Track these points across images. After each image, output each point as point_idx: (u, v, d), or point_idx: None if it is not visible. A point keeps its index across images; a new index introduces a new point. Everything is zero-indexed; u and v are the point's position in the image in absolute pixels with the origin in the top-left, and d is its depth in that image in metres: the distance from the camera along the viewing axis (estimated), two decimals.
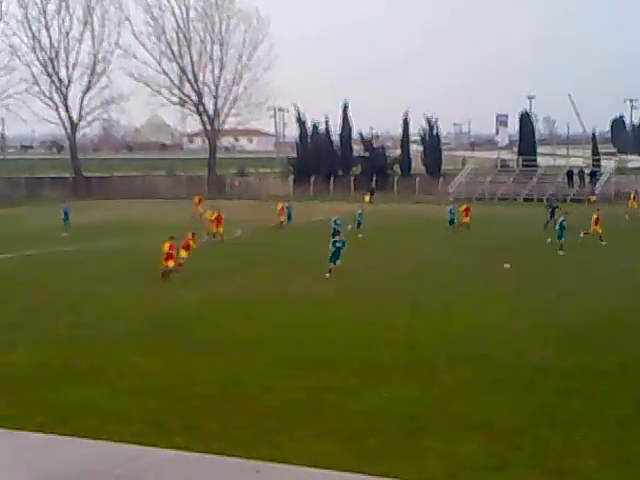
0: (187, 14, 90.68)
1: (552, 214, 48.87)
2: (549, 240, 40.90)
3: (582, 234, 42.17)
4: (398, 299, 27.49)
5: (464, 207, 50.39)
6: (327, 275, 31.24)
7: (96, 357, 20.00)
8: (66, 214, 52.58)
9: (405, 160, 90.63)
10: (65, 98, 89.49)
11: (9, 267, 36.29)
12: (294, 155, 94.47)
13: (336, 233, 37.52)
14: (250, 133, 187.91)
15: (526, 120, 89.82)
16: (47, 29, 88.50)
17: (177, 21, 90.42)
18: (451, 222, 49.15)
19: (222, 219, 45.69)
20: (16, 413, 15.56)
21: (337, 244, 32.45)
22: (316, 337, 22.04)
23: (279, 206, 53.41)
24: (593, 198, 72.27)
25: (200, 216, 53.66)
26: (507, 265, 30.23)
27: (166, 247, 31.40)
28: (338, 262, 31.92)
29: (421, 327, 23.17)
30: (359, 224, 48.17)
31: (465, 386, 17.40)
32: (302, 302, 27.03)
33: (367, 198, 74.87)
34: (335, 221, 42.92)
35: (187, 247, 33.39)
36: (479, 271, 33.53)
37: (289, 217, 53.81)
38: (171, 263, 31.31)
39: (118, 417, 15.37)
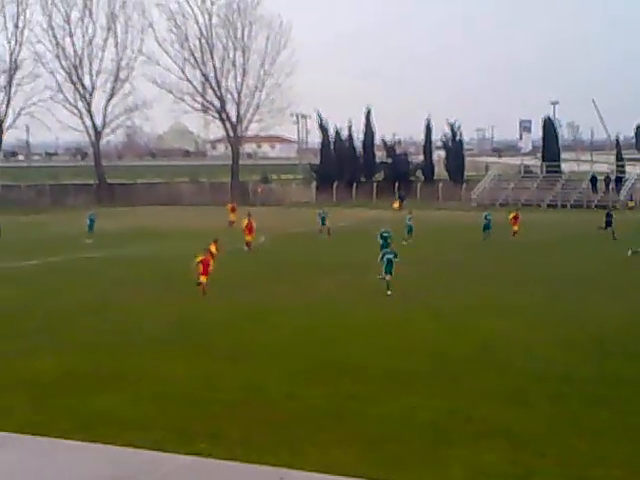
0: (210, 21, 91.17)
1: (608, 224, 47.83)
2: (630, 252, 38.79)
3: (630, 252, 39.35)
4: (422, 305, 27.38)
5: (513, 214, 49.25)
6: (389, 293, 29.10)
7: (119, 363, 20.05)
8: (92, 222, 52.68)
9: (428, 166, 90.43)
10: (89, 105, 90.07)
11: (34, 274, 36.48)
12: (317, 161, 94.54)
13: (385, 245, 36.26)
14: (273, 139, 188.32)
15: (549, 126, 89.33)
16: (71, 36, 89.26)
17: (200, 28, 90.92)
18: (485, 228, 47.60)
19: (252, 225, 44.53)
20: (40, 419, 15.62)
21: (388, 256, 30.45)
22: (338, 343, 21.98)
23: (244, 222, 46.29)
24: (631, 204, 71.46)
25: (233, 224, 53.06)
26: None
27: (199, 259, 29.89)
28: (389, 276, 29.85)
29: (445, 334, 23.05)
30: (410, 230, 46.78)
31: (488, 394, 17.27)
32: (325, 308, 26.99)
33: (397, 204, 74.75)
34: (382, 234, 39.93)
35: (211, 256, 32.15)
36: (506, 277, 33.34)
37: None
38: (204, 279, 29.59)
39: (140, 424, 15.39)
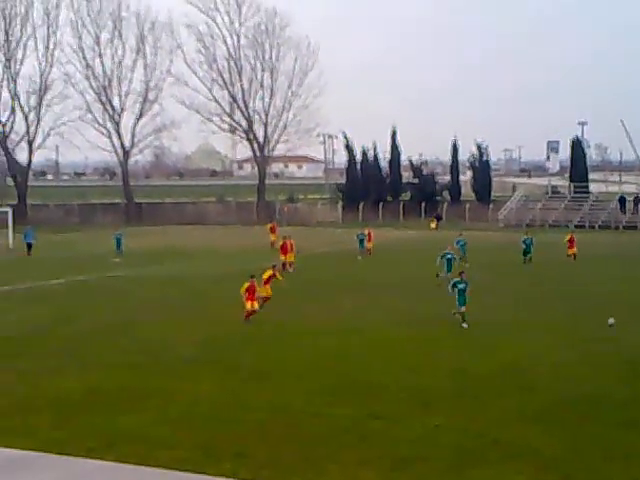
0: (238, 42, 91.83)
1: None
2: None
3: None
4: (439, 323, 27.30)
5: (568, 237, 47.88)
6: (464, 325, 26.85)
7: (145, 383, 20.15)
8: (119, 241, 52.92)
9: (455, 186, 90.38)
10: (118, 125, 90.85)
11: (61, 292, 36.77)
12: (343, 181, 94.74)
13: (449, 268, 35.82)
14: (299, 159, 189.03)
15: (577, 146, 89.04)
16: (100, 57, 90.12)
17: (228, 49, 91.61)
18: (525, 253, 45.50)
19: (286, 246, 43.39)
20: (66, 437, 15.73)
21: (460, 285, 27.37)
22: (363, 364, 21.98)
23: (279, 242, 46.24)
24: None
25: (274, 244, 51.93)
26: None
27: (244, 288, 28.21)
28: (463, 308, 27.22)
29: (469, 354, 22.98)
30: (464, 252, 44.80)
31: (514, 416, 17.19)
32: (350, 328, 26.97)
33: (433, 224, 74.59)
34: (445, 255, 37.61)
35: (268, 281, 30.21)
36: (532, 298, 33.19)
37: (361, 243, 50.63)
38: (256, 305, 28.19)
39: (166, 443, 15.46)
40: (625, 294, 34.32)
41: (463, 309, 27.14)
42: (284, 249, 43.55)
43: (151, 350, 24.00)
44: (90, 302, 33.65)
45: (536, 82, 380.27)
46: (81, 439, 15.62)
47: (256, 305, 28.30)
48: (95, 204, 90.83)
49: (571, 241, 47.19)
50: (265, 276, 30.09)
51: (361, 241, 51.02)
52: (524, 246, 45.91)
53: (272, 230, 56.83)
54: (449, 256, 37.42)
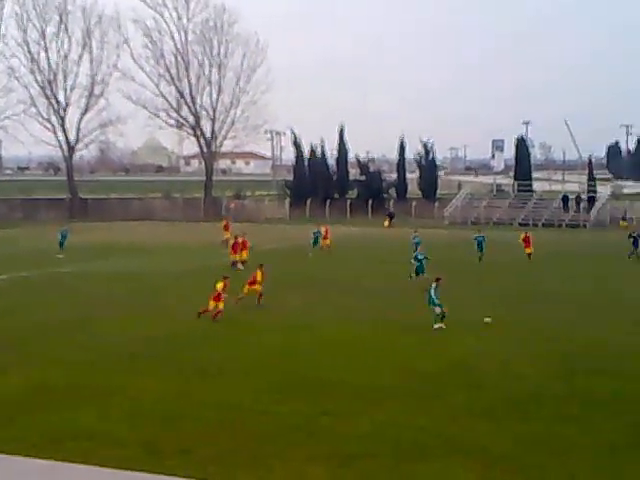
0: (186, 38, 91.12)
1: (635, 244, 46.26)
2: None
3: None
4: (391, 321, 27.46)
5: (522, 236, 46.93)
6: (435, 326, 26.36)
7: (90, 379, 19.97)
8: (63, 237, 52.13)
9: (401, 184, 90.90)
10: (62, 120, 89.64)
11: (4, 288, 36.23)
12: (290, 178, 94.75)
13: (421, 269, 36.44)
14: (247, 156, 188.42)
15: (522, 145, 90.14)
16: (46, 51, 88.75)
17: (176, 44, 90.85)
18: (479, 250, 45.32)
19: (237, 245, 42.76)
20: (9, 435, 15.55)
21: (419, 257, 35.70)
22: (311, 361, 22.03)
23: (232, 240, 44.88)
24: (623, 224, 70.11)
25: (227, 242, 49.07)
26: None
27: (220, 286, 28.39)
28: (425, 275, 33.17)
29: (418, 352, 23.15)
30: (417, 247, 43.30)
31: (460, 412, 17.39)
32: (299, 325, 27.00)
33: (386, 222, 74.77)
34: (417, 256, 37.67)
35: (253, 282, 30.75)
36: (483, 296, 33.54)
37: (315, 241, 50.51)
38: (221, 305, 28.11)
39: (112, 440, 15.36)
40: (574, 292, 34.84)
41: (422, 276, 31.96)
42: (234, 248, 43.12)
43: (96, 347, 23.77)
44: (34, 298, 33.21)
45: (482, 82, 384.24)
46: (24, 437, 15.44)
47: (221, 305, 28.14)
48: (39, 199, 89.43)
49: (526, 240, 46.39)
50: (253, 277, 30.14)
51: (316, 239, 50.74)
52: (476, 244, 45.83)
53: (225, 228, 55.65)
54: (420, 257, 37.37)
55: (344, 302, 31.72)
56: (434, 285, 27.04)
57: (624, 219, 72.57)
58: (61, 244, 51.30)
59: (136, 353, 22.90)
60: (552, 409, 17.64)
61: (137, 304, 31.50)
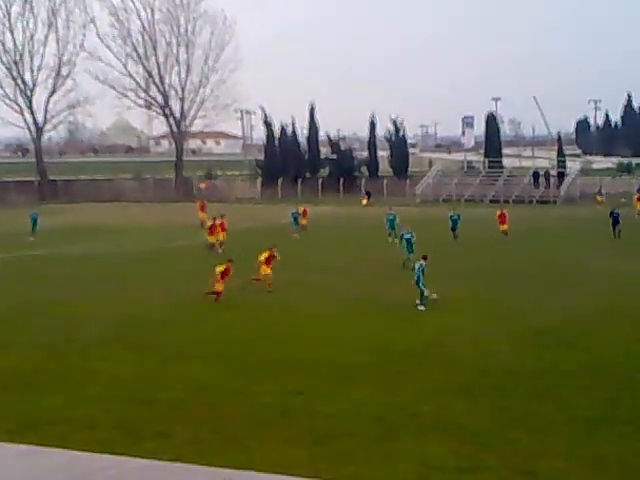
0: (152, 16, 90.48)
1: (615, 222, 44.89)
2: None
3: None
4: (367, 300, 27.51)
5: (499, 212, 46.52)
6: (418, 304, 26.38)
7: (64, 363, 19.86)
8: (34, 220, 51.46)
9: (372, 162, 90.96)
10: (30, 101, 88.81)
11: None
12: (262, 158, 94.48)
13: (410, 250, 34.42)
14: (217, 135, 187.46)
15: (492, 122, 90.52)
16: (11, 32, 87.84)
17: (142, 23, 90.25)
18: (453, 229, 45.05)
19: (215, 227, 41.68)
20: None
21: (406, 236, 34.74)
22: (284, 341, 22.03)
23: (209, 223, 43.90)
24: (600, 199, 69.84)
25: (204, 224, 48.41)
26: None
27: (221, 269, 28.08)
28: (411, 255, 33.11)
29: (391, 330, 23.21)
30: (393, 228, 43.98)
31: (434, 389, 17.46)
32: (269, 305, 27.00)
33: (364, 201, 74.85)
34: (404, 235, 35.98)
35: (269, 262, 30.05)
36: (448, 274, 33.65)
37: (295, 221, 50.41)
38: (220, 287, 27.87)
39: (87, 423, 15.29)
40: (544, 268, 35.09)
41: (411, 256, 31.71)
42: (212, 230, 41.88)
43: (68, 330, 23.62)
44: (5, 282, 32.95)
45: (451, 58, 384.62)
46: None
47: (221, 287, 27.85)
48: (8, 182, 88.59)
49: (502, 217, 45.95)
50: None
51: (295, 219, 50.67)
52: (451, 222, 45.38)
53: (201, 208, 54.28)
54: (407, 236, 35.53)
55: (320, 281, 31.72)
56: (423, 263, 26.69)
57: (600, 194, 72.91)
58: (33, 227, 50.79)
59: (108, 336, 22.77)
60: (526, 385, 17.75)
61: (108, 287, 31.30)
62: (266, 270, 29.71)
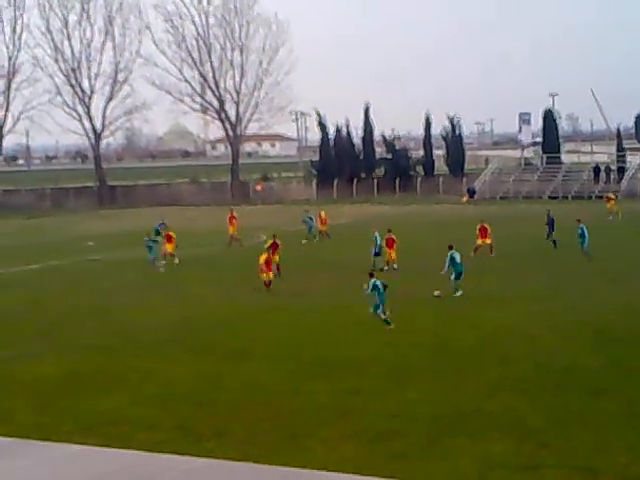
0: (207, 21, 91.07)
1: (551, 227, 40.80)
2: None
3: None
4: (422, 301, 27.31)
5: (479, 226, 37.93)
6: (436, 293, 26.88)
7: (122, 365, 20.09)
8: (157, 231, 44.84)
9: (428, 161, 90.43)
10: (88, 108, 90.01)
11: (35, 278, 36.50)
12: (317, 159, 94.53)
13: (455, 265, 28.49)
14: (272, 138, 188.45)
15: (549, 118, 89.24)
16: (69, 40, 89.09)
17: (197, 28, 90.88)
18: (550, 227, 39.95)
19: (276, 246, 33.54)
20: (44, 422, 15.67)
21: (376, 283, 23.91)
22: (341, 340, 22.00)
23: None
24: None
25: (232, 239, 44.84)
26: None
27: (262, 259, 30.10)
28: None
29: (447, 329, 23.05)
30: (310, 229, 44.34)
31: (493, 387, 17.30)
32: (327, 306, 26.97)
33: (465, 198, 74.56)
34: (451, 255, 28.68)
35: (269, 264, 30.60)
36: (503, 272, 33.30)
37: (310, 229, 46.51)
38: (272, 275, 30.21)
39: (146, 424, 15.45)
40: (599, 265, 34.47)
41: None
42: (273, 249, 33.19)
43: (127, 333, 23.89)
44: (64, 286, 33.45)
45: (507, 54, 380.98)
46: (60, 423, 15.57)
47: (272, 275, 30.02)
48: (67, 188, 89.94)
49: (482, 230, 37.80)
50: (263, 259, 30.16)
51: (309, 225, 46.61)
52: (547, 218, 40.67)
53: (230, 221, 46.32)
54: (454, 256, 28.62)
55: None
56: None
57: None
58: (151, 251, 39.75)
59: (167, 338, 22.98)
60: (584, 382, 17.47)
61: (165, 290, 31.59)
62: (269, 276, 30.07)
